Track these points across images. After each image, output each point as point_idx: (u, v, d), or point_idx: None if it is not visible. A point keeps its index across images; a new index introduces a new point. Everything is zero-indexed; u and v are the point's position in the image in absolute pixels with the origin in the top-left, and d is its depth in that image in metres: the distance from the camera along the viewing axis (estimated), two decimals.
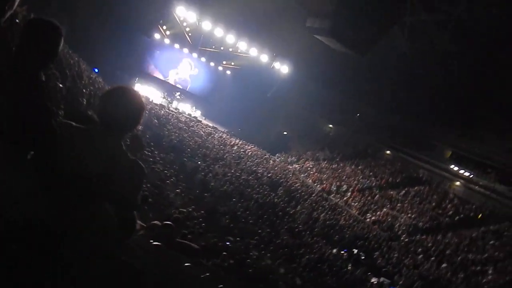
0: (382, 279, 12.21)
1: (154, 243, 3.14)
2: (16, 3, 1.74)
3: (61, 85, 9.32)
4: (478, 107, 20.77)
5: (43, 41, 1.72)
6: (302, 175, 22.83)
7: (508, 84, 17.98)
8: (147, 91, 25.36)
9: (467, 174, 23.38)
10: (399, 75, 23.21)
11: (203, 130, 22.93)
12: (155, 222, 4.34)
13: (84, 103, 11.42)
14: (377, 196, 20.92)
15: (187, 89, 30.61)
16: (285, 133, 30.43)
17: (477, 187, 22.75)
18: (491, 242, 17.43)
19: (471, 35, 17.64)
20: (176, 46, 28.91)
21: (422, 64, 21.59)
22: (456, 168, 23.82)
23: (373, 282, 11.76)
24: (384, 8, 11.31)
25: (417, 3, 16.84)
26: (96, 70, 20.82)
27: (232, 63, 29.68)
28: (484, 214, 20.47)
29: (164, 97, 26.51)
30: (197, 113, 27.80)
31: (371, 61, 23.65)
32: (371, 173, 24.21)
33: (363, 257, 13.60)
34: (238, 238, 9.10)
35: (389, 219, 18.28)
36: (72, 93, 10.81)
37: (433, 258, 15.10)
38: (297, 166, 24.84)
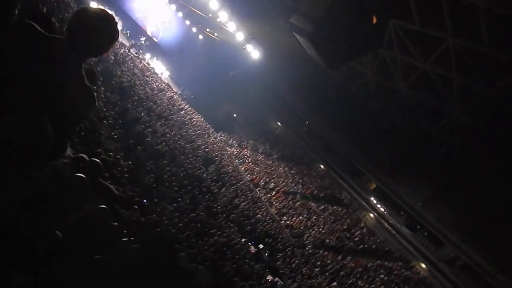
0: (276, 279, 12.71)
1: (78, 174, 3.04)
2: None
3: None
4: (410, 154, 22.19)
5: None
6: (237, 160, 22.98)
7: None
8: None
9: (382, 209, 24.93)
10: (356, 100, 24.09)
11: (157, 83, 22.28)
12: (83, 155, 4.19)
13: (44, 9, 10.67)
14: (298, 203, 21.64)
15: (156, 40, 29.47)
16: (235, 115, 30.42)
17: (386, 224, 24.35)
18: (381, 276, 18.82)
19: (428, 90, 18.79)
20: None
21: (378, 96, 22.55)
22: (375, 201, 25.33)
23: (268, 279, 12.20)
24: (365, 34, 11.62)
25: (395, 39, 17.56)
26: None
27: (215, 34, 28.82)
28: (384, 250, 22.01)
29: (128, 35, 25.36)
30: (156, 64, 26.93)
31: (337, 79, 24.32)
32: (300, 180, 24.97)
33: (266, 254, 14.06)
34: (155, 200, 9.03)
35: (301, 228, 19.00)
36: None
37: (327, 274, 16.01)
38: (235, 150, 24.95)
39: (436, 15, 13.95)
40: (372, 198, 25.55)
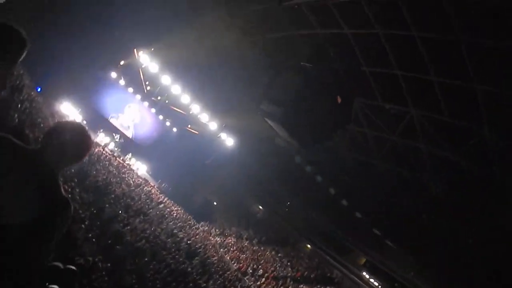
0: None
1: (51, 286, 2.89)
2: None
3: None
4: (394, 225, 22.18)
5: (6, 49, 1.70)
6: (222, 249, 22.31)
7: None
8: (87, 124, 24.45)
9: (376, 283, 24.18)
10: (333, 178, 24.47)
11: (133, 179, 22.12)
12: (57, 263, 3.99)
13: (16, 119, 10.79)
14: (290, 287, 20.80)
15: (130, 137, 29.92)
16: (215, 203, 30.11)
17: None
18: None
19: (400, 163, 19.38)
20: (130, 90, 28.67)
21: (355, 172, 23.00)
22: (367, 276, 24.63)
23: None
24: (333, 114, 12.22)
25: (362, 117, 18.43)
26: (39, 89, 19.92)
27: (189, 126, 29.48)
28: None
29: (102, 134, 25.70)
30: (132, 162, 27.01)
31: (312, 157, 24.89)
32: (289, 263, 24.24)
33: None
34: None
35: None
36: (3, 106, 10.24)
37: None
38: (219, 239, 24.31)
39: (396, 90, 14.85)
40: (364, 273, 24.86)
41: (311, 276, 23.58)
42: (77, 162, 1.87)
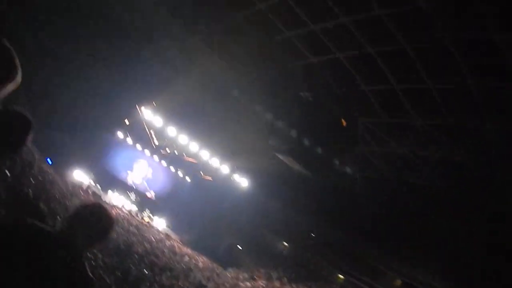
0: None
1: None
2: None
3: (8, 173, 8.99)
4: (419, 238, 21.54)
5: (13, 133, 1.74)
6: None
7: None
8: (101, 190, 24.69)
9: None
10: (350, 199, 24.07)
11: (154, 236, 22.02)
12: None
13: (31, 195, 10.95)
14: None
15: (145, 193, 30.05)
16: (239, 247, 29.67)
17: None
18: None
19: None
20: (138, 147, 29.05)
21: (371, 191, 22.68)
22: None
23: None
24: (341, 138, 12.26)
25: (368, 136, 18.38)
26: (50, 162, 20.27)
27: (208, 177, 29.49)
28: None
29: (117, 194, 25.85)
30: (150, 218, 26.95)
31: (327, 183, 24.66)
32: None
33: None
34: None
35: None
36: (18, 182, 10.43)
37: None
38: (249, 284, 23.76)
39: (398, 105, 14.86)
40: None
41: None
42: (101, 242, 1.88)
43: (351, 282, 26.08)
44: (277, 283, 24.60)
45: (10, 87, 1.36)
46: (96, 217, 1.80)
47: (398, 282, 24.83)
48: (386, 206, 22.23)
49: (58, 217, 11.38)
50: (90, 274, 1.82)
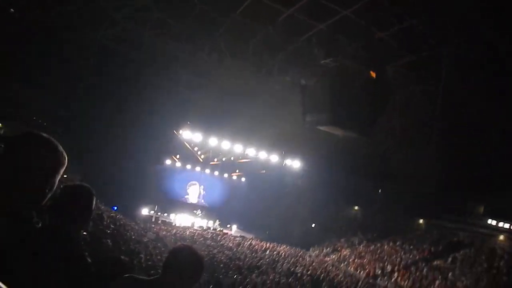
0: None
1: None
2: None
3: (84, 233, 9.62)
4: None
5: (81, 203, 1.95)
6: (342, 265, 21.95)
7: None
8: (168, 216, 25.72)
9: (507, 225, 22.33)
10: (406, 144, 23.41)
11: (231, 241, 22.70)
12: None
13: (110, 244, 11.63)
14: (425, 269, 19.81)
15: (206, 205, 31.06)
16: (313, 225, 29.92)
17: None
18: None
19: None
20: (188, 167, 29.95)
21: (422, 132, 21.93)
22: (494, 222, 22.82)
23: None
24: (377, 90, 12.05)
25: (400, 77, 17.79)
26: (115, 208, 21.37)
27: (263, 171, 29.80)
28: None
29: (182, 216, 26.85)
30: (221, 225, 27.75)
31: (376, 139, 24.22)
32: (411, 247, 23.24)
33: None
34: None
35: None
36: (96, 237, 11.09)
37: None
38: (334, 256, 23.99)
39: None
40: (489, 221, 23.01)
41: (440, 249, 22.35)
42: (194, 283, 2.03)
43: (432, 224, 25.59)
44: (360, 247, 24.66)
45: (61, 170, 1.43)
46: (189, 260, 1.95)
47: (480, 209, 24.04)
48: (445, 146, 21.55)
49: (140, 255, 12.06)
50: None
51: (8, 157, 1.20)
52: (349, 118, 13.35)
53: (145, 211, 25.18)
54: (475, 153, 19.69)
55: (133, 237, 16.17)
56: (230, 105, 21.58)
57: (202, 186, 31.36)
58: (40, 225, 1.42)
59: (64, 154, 1.28)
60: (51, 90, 21.42)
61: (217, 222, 28.12)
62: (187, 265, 1.93)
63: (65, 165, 1.29)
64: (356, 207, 30.84)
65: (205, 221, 27.47)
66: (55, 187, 1.28)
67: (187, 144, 27.47)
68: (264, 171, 28.95)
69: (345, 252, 24.26)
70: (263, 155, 25.88)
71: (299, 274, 17.41)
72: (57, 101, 22.33)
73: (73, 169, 18.38)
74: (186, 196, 31.00)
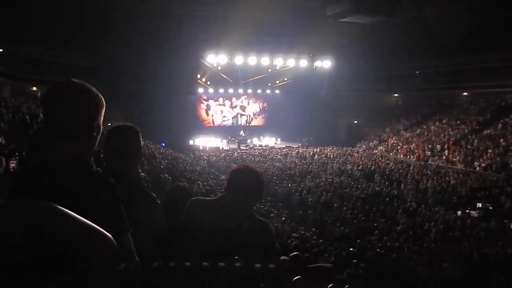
0: None
1: (295, 278, 3.20)
2: None
3: (142, 173, 10.07)
4: None
5: (130, 143, 1.95)
6: (390, 154, 22.10)
7: None
8: (212, 142, 26.42)
9: None
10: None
11: (279, 153, 23.18)
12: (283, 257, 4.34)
13: (169, 178, 12.20)
14: (476, 141, 19.56)
15: (248, 124, 31.47)
16: (355, 121, 29.75)
17: None
18: None
19: None
20: (221, 90, 29.90)
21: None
22: None
23: None
24: None
25: None
26: (163, 144, 22.06)
27: (285, 79, 29.47)
28: None
29: (228, 141, 27.42)
30: (265, 140, 28.24)
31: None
32: (458, 122, 22.81)
33: (490, 208, 12.65)
34: (358, 240, 8.93)
35: (498, 159, 16.95)
36: (153, 174, 11.61)
37: None
38: (382, 147, 24.10)
39: None
40: None
41: (487, 117, 21.74)
42: (258, 199, 2.06)
43: (476, 93, 24.62)
44: (406, 134, 24.49)
45: (102, 112, 1.43)
46: (249, 178, 1.99)
47: None
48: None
49: (198, 182, 12.62)
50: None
51: (51, 109, 1.22)
52: (372, 2, 12.53)
53: (191, 142, 25.93)
54: None
55: (187, 167, 16.89)
56: (252, 20, 20.95)
57: (238, 107, 31.55)
58: (100, 170, 1.39)
59: (100, 95, 1.28)
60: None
61: (261, 138, 28.57)
62: (248, 183, 1.99)
63: (104, 106, 1.30)
64: (396, 94, 30.09)
65: (248, 140, 27.99)
66: (101, 130, 1.31)
67: (212, 67, 26.76)
68: (293, 79, 28.43)
69: (392, 141, 24.24)
70: (291, 62, 25.26)
71: (349, 171, 17.76)
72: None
73: (112, 117, 18.81)
74: (225, 120, 31.46)
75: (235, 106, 31.64)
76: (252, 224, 1.91)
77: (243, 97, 31.42)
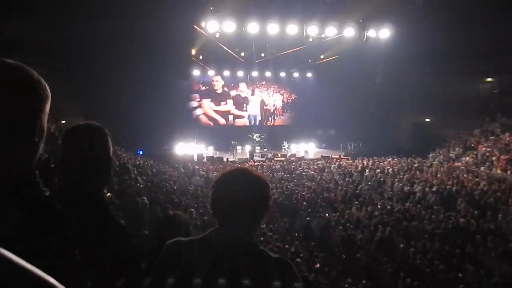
0: None
1: None
2: None
3: (108, 194, 10.25)
4: None
5: (93, 149, 1.97)
6: (482, 167, 21.76)
7: None
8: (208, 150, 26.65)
9: None
10: None
11: (311, 167, 23.07)
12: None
13: (146, 202, 12.28)
14: None
15: (266, 124, 31.55)
16: (427, 120, 29.50)
17: None
18: None
19: None
20: (226, 73, 29.94)
21: None
22: None
23: None
24: None
25: None
26: (141, 153, 22.31)
27: (322, 56, 29.39)
28: None
29: (231, 150, 27.59)
30: (291, 147, 28.28)
31: None
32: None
33: None
34: None
35: None
36: (127, 198, 11.73)
37: None
38: (467, 158, 23.76)
39: None
40: None
41: None
42: (260, 221, 2.05)
43: None
44: (506, 137, 24.21)
45: (47, 107, 1.44)
46: (247, 186, 1.90)
47: None
48: None
49: (190, 209, 12.68)
50: None
51: None
52: None
53: (182, 149, 26.04)
54: None
55: (175, 187, 16.93)
56: None
57: (251, 99, 31.64)
58: (47, 192, 1.34)
59: (44, 82, 1.24)
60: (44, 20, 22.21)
61: (285, 145, 28.58)
62: (245, 197, 1.86)
63: (50, 98, 1.27)
64: (488, 79, 29.67)
65: (266, 148, 28.10)
66: (45, 132, 1.29)
67: (213, 38, 26.36)
68: (338, 56, 28.25)
69: (483, 149, 23.87)
70: (331, 31, 24.93)
71: (419, 194, 17.50)
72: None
73: (70, 113, 19.04)
74: (234, 118, 31.60)
75: (245, 98, 31.71)
76: (263, 266, 1.78)
77: (258, 84, 31.44)
